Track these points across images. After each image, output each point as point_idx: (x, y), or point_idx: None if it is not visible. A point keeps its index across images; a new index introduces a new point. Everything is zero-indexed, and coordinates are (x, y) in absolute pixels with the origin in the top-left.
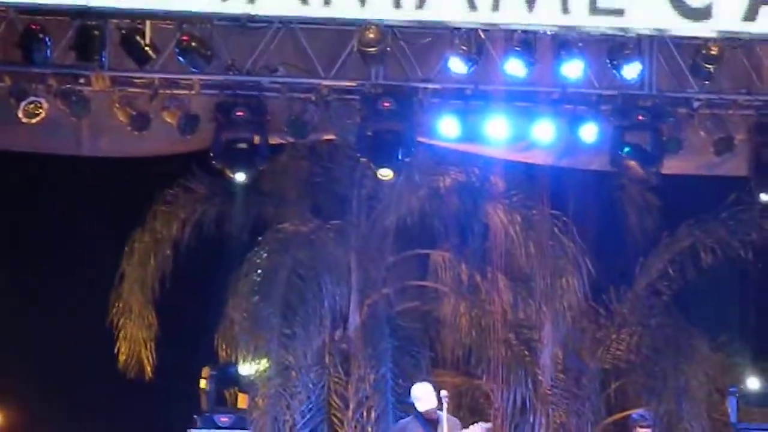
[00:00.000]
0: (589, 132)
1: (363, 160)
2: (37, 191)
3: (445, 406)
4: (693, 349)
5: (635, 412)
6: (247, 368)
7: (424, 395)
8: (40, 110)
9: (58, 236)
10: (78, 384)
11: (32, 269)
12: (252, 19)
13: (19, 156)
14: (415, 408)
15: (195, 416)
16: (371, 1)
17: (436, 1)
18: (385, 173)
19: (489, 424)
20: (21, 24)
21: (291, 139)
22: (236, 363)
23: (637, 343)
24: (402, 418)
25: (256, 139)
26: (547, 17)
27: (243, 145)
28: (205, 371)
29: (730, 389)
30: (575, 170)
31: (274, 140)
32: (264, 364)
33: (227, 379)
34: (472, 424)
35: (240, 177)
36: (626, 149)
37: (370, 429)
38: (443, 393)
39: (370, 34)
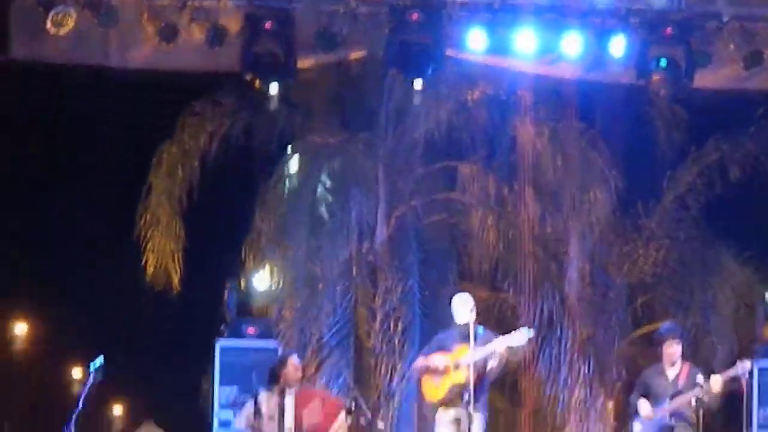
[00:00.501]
0: (618, 45)
1: (392, 72)
2: (64, 104)
3: (473, 318)
4: (720, 264)
5: (664, 325)
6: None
7: (459, 307)
8: (69, 20)
9: (87, 148)
10: (106, 295)
11: (61, 182)
12: None
13: (46, 67)
14: (454, 320)
15: (222, 326)
16: None
17: None
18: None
19: (532, 331)
20: None
21: (320, 53)
22: (263, 274)
23: (665, 257)
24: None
25: (285, 53)
26: None
27: (272, 58)
28: (232, 282)
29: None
30: (603, 84)
31: (302, 54)
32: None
33: (254, 289)
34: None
35: (273, 88)
36: (655, 63)
37: (397, 341)
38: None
39: None
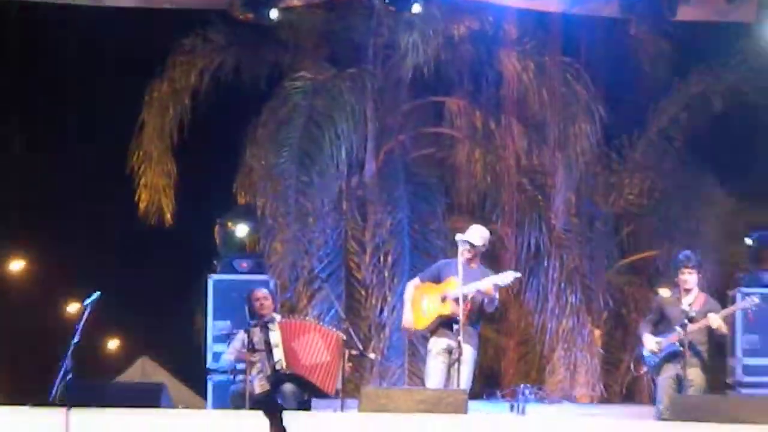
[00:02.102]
0: None
1: (379, 8)
2: (59, 43)
3: (460, 250)
4: (704, 194)
5: (681, 252)
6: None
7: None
8: None
9: (80, 86)
10: (100, 231)
11: (54, 119)
12: None
13: (41, 7)
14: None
15: (214, 261)
16: None
17: None
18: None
19: (518, 274)
20: None
21: None
22: (254, 209)
23: (650, 187)
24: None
25: None
26: None
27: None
28: (224, 218)
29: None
30: (587, 17)
31: None
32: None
33: (246, 225)
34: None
35: (273, 14)
36: None
37: (387, 273)
38: (474, 234)
39: None
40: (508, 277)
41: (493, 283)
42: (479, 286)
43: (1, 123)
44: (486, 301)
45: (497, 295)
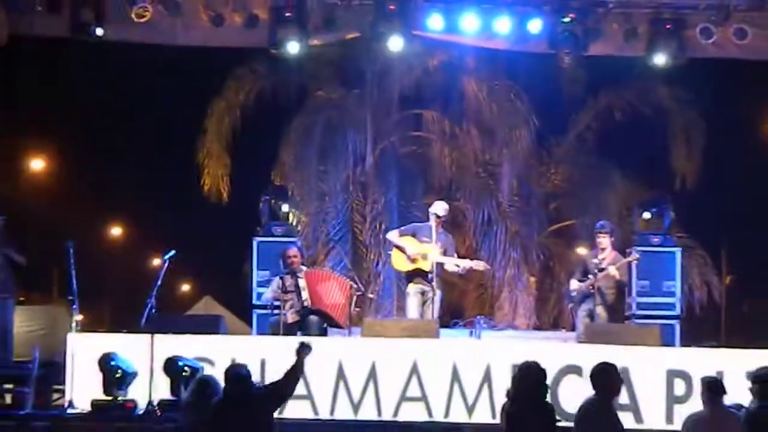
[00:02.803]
0: (535, 25)
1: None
2: (146, 72)
3: (431, 218)
4: (608, 179)
5: (598, 222)
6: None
7: (432, 210)
8: (147, 13)
9: (160, 103)
10: (177, 207)
11: (146, 127)
12: None
13: (132, 46)
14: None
15: (258, 228)
16: None
17: None
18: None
19: (487, 266)
20: None
21: (325, 34)
22: (287, 190)
23: (570, 175)
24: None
25: (300, 34)
26: None
27: (291, 38)
28: (265, 196)
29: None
30: (525, 52)
31: (313, 35)
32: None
33: (281, 202)
34: (471, 259)
35: (293, 48)
36: (561, 37)
37: (381, 237)
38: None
39: None
40: (481, 265)
41: (470, 267)
42: (458, 264)
43: (109, 133)
44: (459, 270)
45: (466, 267)
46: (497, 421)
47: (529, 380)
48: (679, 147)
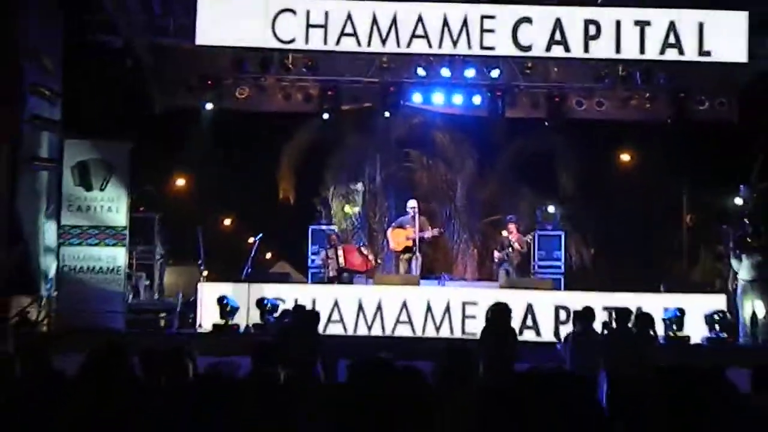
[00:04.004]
0: (477, 99)
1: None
2: (246, 127)
3: (416, 211)
4: (521, 192)
5: (507, 216)
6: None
7: (409, 206)
8: (245, 92)
9: (255, 145)
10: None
11: (244, 158)
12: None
13: (237, 111)
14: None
15: (311, 220)
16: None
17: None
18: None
19: (441, 231)
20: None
21: (351, 103)
22: (328, 198)
23: (498, 189)
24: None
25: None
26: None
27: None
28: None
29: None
30: (471, 115)
31: (345, 103)
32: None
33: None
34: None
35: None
36: (492, 106)
37: (384, 226)
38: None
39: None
40: (436, 231)
41: (432, 234)
42: (426, 234)
43: (223, 161)
44: (428, 237)
45: (433, 234)
46: (454, 336)
47: (502, 308)
48: (563, 173)
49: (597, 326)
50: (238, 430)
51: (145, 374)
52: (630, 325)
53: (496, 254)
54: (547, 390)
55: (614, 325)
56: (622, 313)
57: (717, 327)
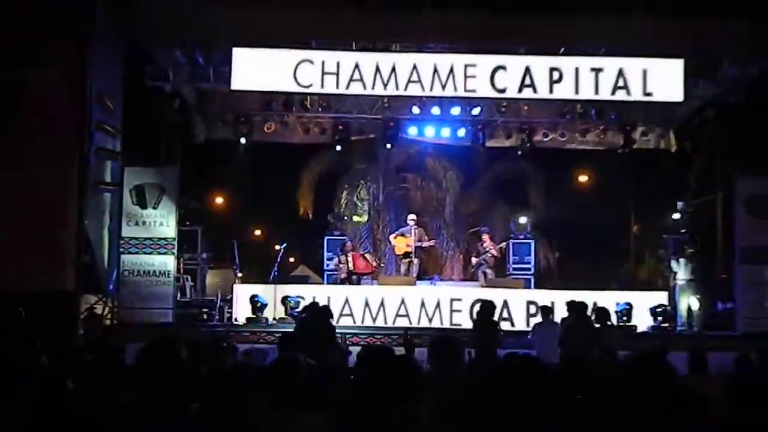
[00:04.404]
0: (463, 132)
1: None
2: (271, 156)
3: (413, 223)
4: (496, 206)
5: (482, 227)
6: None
7: (409, 219)
8: (272, 126)
9: (279, 170)
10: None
11: (270, 180)
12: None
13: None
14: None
15: (327, 231)
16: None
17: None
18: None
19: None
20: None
21: (359, 135)
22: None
23: (479, 206)
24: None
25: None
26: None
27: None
28: (331, 215)
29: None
30: (457, 145)
31: (354, 135)
32: (360, 218)
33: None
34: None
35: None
36: (474, 137)
37: (386, 235)
38: (411, 216)
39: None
40: (432, 242)
41: (429, 244)
42: (424, 244)
43: (252, 183)
44: (426, 246)
45: (430, 244)
46: (444, 326)
47: (490, 305)
48: (533, 191)
49: (557, 318)
50: (266, 409)
51: (191, 361)
52: (589, 315)
53: (474, 259)
54: (521, 372)
55: (569, 315)
56: (578, 306)
57: (659, 318)
